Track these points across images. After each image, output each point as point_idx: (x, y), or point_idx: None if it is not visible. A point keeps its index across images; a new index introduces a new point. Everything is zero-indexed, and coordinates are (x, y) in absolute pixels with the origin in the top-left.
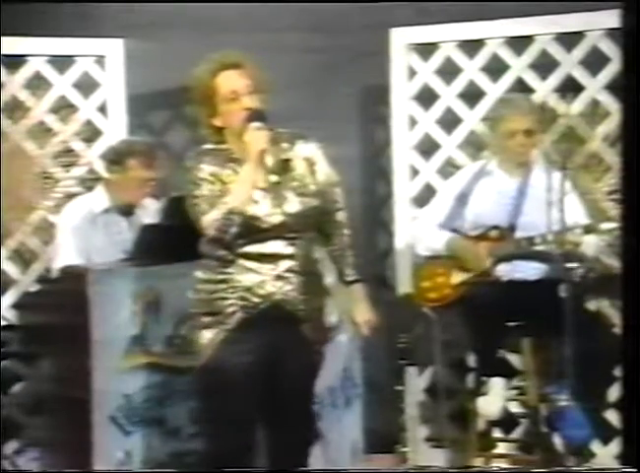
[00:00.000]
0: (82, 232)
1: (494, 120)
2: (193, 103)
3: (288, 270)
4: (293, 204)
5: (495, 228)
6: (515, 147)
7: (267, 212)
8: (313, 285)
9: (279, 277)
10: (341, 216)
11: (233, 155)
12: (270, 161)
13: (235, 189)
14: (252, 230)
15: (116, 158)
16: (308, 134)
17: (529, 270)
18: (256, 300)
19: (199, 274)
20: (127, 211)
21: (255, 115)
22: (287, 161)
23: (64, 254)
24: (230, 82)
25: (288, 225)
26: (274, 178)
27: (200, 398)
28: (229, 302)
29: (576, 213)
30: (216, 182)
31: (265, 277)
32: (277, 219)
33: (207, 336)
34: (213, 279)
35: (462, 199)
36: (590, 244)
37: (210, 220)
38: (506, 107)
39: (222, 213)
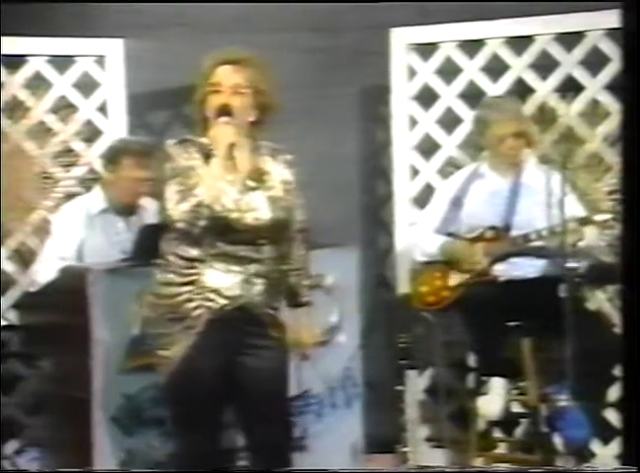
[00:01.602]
0: (79, 232)
1: (481, 125)
2: (193, 91)
3: (256, 274)
4: (266, 211)
5: (491, 228)
6: (505, 150)
7: (241, 213)
8: (277, 289)
9: (246, 280)
10: (301, 237)
11: (214, 151)
12: (248, 165)
13: (204, 183)
14: (226, 229)
15: (111, 157)
16: (306, 138)
17: (526, 268)
18: (222, 301)
19: (161, 276)
20: (124, 211)
21: (225, 111)
22: (262, 170)
23: (61, 255)
24: (220, 75)
25: (260, 230)
26: (251, 184)
27: (173, 403)
28: (195, 303)
29: (574, 211)
30: (192, 176)
31: (232, 279)
32: (250, 222)
33: (175, 341)
34: (177, 281)
35: (456, 203)
36: (588, 236)
37: (179, 212)
38: (492, 113)
39: (190, 205)
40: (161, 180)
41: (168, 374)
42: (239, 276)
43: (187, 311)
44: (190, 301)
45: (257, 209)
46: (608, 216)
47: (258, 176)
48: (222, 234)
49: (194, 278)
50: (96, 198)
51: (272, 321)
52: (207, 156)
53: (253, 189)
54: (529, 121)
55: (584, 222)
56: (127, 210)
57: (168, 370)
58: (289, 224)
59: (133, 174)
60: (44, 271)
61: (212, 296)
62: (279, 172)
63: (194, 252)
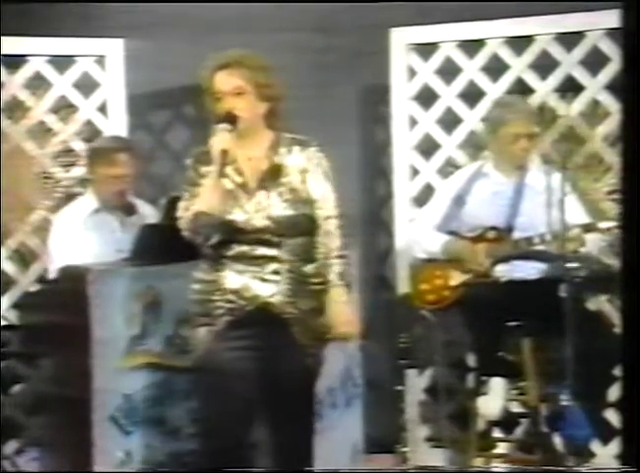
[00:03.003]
0: (76, 233)
1: (495, 123)
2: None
3: (275, 273)
4: (279, 209)
5: (493, 229)
6: (516, 151)
7: (250, 215)
8: (302, 288)
9: (265, 280)
10: (333, 225)
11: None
12: (264, 163)
13: (203, 191)
14: (234, 232)
15: (88, 157)
16: (309, 137)
17: (528, 270)
18: (242, 302)
19: (197, 274)
20: (116, 210)
21: (227, 118)
22: (278, 166)
23: (60, 257)
24: (219, 82)
25: (274, 229)
26: (264, 182)
27: (197, 398)
28: (217, 303)
29: (575, 213)
30: (201, 184)
31: (251, 279)
32: (261, 222)
33: (199, 337)
34: (205, 280)
35: (458, 201)
36: (591, 243)
37: (182, 221)
38: (509, 112)
39: (191, 214)
40: (183, 189)
41: (193, 371)
42: (257, 276)
43: (210, 310)
44: (212, 301)
45: (268, 208)
46: (612, 223)
47: (272, 174)
48: (232, 237)
49: (215, 278)
50: (89, 199)
51: (294, 321)
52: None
53: (265, 188)
54: (539, 123)
55: (588, 228)
56: (119, 209)
57: (192, 367)
58: (312, 215)
59: (107, 172)
60: (45, 272)
61: (231, 297)
62: (296, 163)
63: (214, 254)
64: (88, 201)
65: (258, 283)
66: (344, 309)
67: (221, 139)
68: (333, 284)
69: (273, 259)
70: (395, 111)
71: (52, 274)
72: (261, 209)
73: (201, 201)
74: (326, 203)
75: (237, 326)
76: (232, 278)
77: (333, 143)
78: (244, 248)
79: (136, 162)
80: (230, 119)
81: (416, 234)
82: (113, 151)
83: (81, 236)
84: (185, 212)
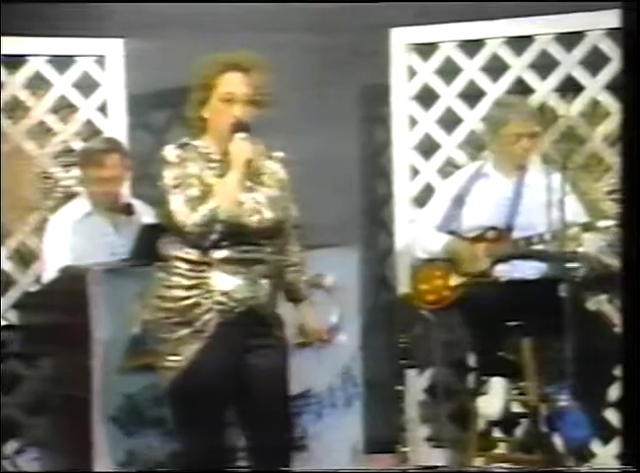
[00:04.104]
0: (68, 237)
1: (497, 123)
2: (191, 90)
3: (261, 274)
4: (268, 212)
5: (493, 229)
6: (516, 151)
7: (248, 216)
8: (280, 290)
9: (253, 281)
10: (296, 234)
11: (214, 155)
12: (251, 169)
13: (221, 196)
14: (234, 234)
15: (78, 159)
16: (308, 136)
17: (527, 270)
18: (232, 303)
19: (166, 280)
20: (110, 212)
21: (241, 126)
22: (261, 171)
23: (53, 261)
24: (232, 83)
25: (262, 230)
26: (251, 184)
27: (182, 405)
28: (205, 307)
29: (575, 213)
30: (196, 183)
31: (240, 281)
32: (255, 223)
33: (183, 345)
34: (184, 285)
35: (458, 201)
36: (589, 242)
37: (191, 223)
38: (509, 112)
39: (205, 218)
40: (163, 187)
41: (177, 377)
42: (247, 277)
43: (196, 315)
44: (199, 304)
45: (260, 210)
46: (611, 222)
47: (256, 177)
48: (230, 238)
49: (201, 281)
50: (82, 202)
51: (276, 320)
52: (210, 162)
53: (254, 190)
54: (540, 124)
55: (587, 228)
56: (113, 211)
57: (176, 373)
58: (286, 222)
59: (98, 174)
60: (43, 274)
61: (222, 299)
62: (273, 171)
63: (201, 256)
64: (80, 204)
65: (248, 284)
66: (314, 320)
67: (244, 148)
68: (299, 297)
69: (261, 261)
70: (395, 111)
71: (46, 278)
72: (255, 211)
73: (219, 206)
74: (292, 211)
75: (226, 328)
76: (221, 279)
77: (333, 143)
78: (236, 250)
79: (127, 163)
80: (246, 129)
81: (417, 234)
82: (103, 152)
83: (72, 241)
84: (192, 212)
